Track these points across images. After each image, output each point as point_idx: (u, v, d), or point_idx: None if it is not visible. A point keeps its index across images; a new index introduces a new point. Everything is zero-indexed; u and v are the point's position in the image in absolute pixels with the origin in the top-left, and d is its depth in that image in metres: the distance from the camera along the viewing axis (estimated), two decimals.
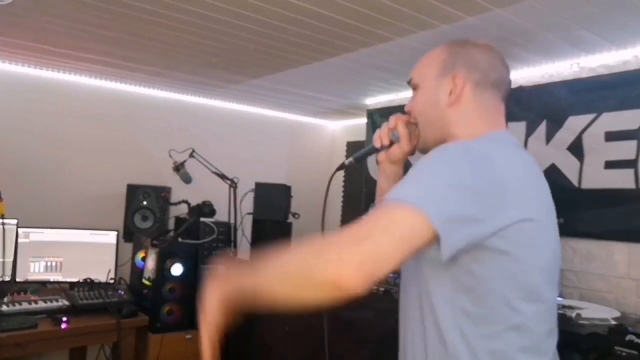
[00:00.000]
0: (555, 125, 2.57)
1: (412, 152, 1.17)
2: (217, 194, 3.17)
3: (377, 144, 1.18)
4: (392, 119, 1.15)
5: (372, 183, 3.75)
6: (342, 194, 4.36)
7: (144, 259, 3.00)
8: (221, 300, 0.92)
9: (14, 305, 2.46)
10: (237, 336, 3.05)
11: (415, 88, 1.13)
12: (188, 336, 2.83)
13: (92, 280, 2.78)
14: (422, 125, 1.11)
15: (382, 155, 1.22)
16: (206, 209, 3.00)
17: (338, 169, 1.24)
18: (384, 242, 0.80)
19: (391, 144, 1.17)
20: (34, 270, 2.83)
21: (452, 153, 0.91)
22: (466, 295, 0.91)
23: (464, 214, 0.83)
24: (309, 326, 2.53)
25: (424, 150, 1.13)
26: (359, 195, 4.03)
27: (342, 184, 4.33)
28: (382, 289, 2.41)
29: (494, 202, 0.86)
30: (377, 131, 1.19)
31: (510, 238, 0.87)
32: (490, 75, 1.06)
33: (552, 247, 0.96)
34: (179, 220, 3.28)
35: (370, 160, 3.78)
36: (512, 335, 0.90)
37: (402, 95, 3.53)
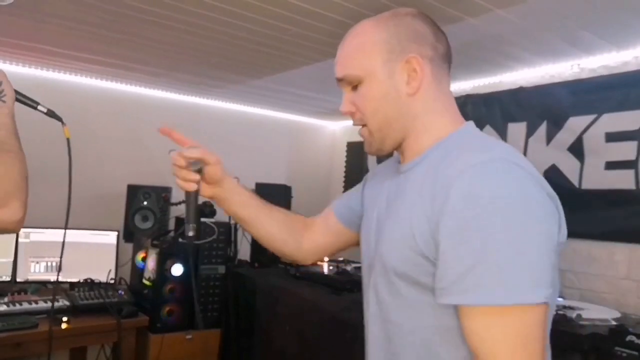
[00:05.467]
0: (555, 126, 2.56)
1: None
2: None
3: (191, 189, 1.02)
4: (176, 157, 1.03)
5: None
6: (342, 192, 4.36)
7: (144, 259, 3.00)
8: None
9: (14, 305, 2.47)
10: (237, 335, 3.05)
11: (355, 83, 0.95)
12: (188, 336, 2.83)
13: (92, 281, 2.78)
14: (379, 126, 0.91)
15: (207, 191, 1.07)
16: (207, 209, 2.99)
17: None
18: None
19: (199, 175, 1.02)
20: (34, 270, 2.83)
21: (518, 196, 0.74)
22: None
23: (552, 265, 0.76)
24: (309, 325, 2.53)
25: (382, 153, 0.96)
26: None
27: (343, 182, 4.33)
28: None
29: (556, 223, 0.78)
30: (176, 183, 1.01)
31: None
32: (439, 48, 0.90)
33: None
34: (179, 220, 3.28)
35: (371, 159, 3.78)
36: None
37: None
